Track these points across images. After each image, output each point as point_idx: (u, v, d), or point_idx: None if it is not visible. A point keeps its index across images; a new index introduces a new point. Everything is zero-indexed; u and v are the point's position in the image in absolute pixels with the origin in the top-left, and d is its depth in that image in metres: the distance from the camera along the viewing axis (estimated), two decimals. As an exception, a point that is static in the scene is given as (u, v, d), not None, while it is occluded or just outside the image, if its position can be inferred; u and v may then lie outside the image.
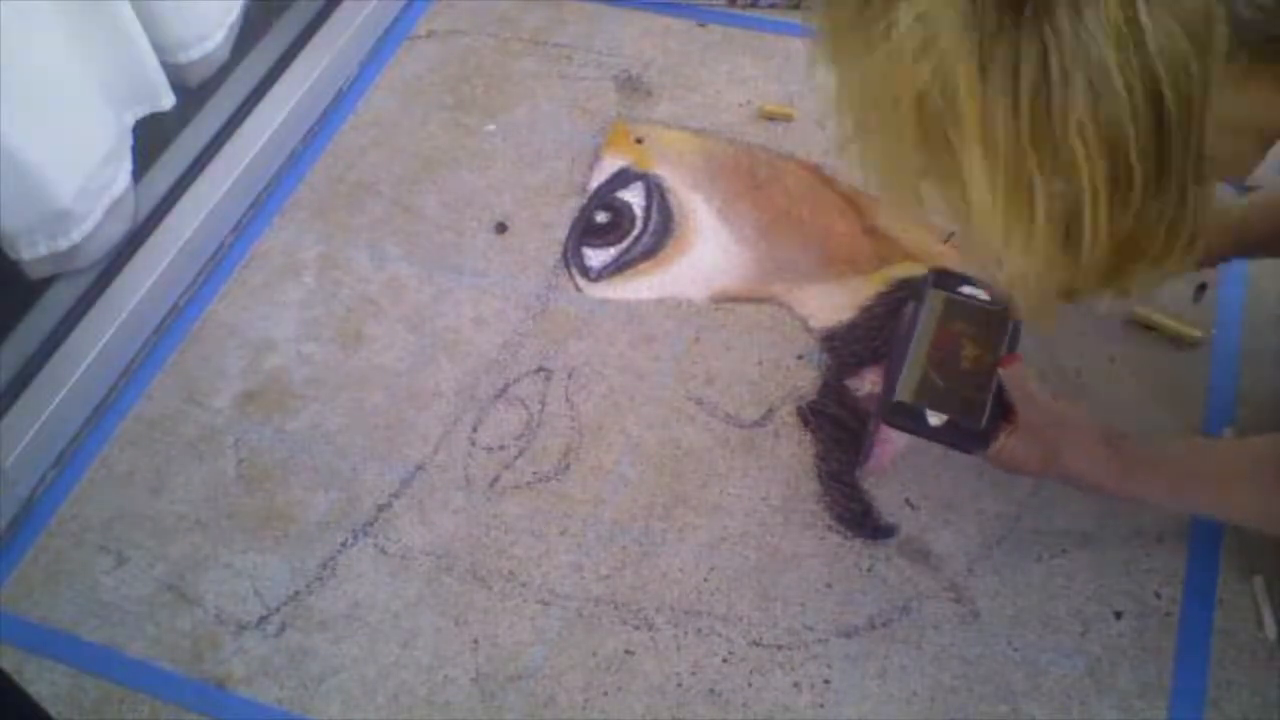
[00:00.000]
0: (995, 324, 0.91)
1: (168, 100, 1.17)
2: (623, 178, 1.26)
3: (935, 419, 0.87)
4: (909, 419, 0.88)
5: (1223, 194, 0.61)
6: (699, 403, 1.08)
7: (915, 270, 1.14)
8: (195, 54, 1.20)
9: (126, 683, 0.95)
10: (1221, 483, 0.81)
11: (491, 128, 1.34)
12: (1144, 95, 0.50)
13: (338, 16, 1.41)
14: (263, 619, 0.97)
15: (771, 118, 1.30)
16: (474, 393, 1.10)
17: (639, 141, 1.30)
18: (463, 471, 1.05)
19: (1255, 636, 0.90)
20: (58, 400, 1.07)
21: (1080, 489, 0.86)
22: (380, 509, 1.03)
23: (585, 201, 1.25)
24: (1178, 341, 1.06)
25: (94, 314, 1.14)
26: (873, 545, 0.97)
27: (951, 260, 1.14)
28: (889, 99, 0.54)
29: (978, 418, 0.87)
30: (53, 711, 0.82)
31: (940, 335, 0.92)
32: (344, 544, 1.01)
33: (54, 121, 1.03)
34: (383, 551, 1.00)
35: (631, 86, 1.36)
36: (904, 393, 0.89)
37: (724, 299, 1.15)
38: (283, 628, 0.97)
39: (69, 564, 1.02)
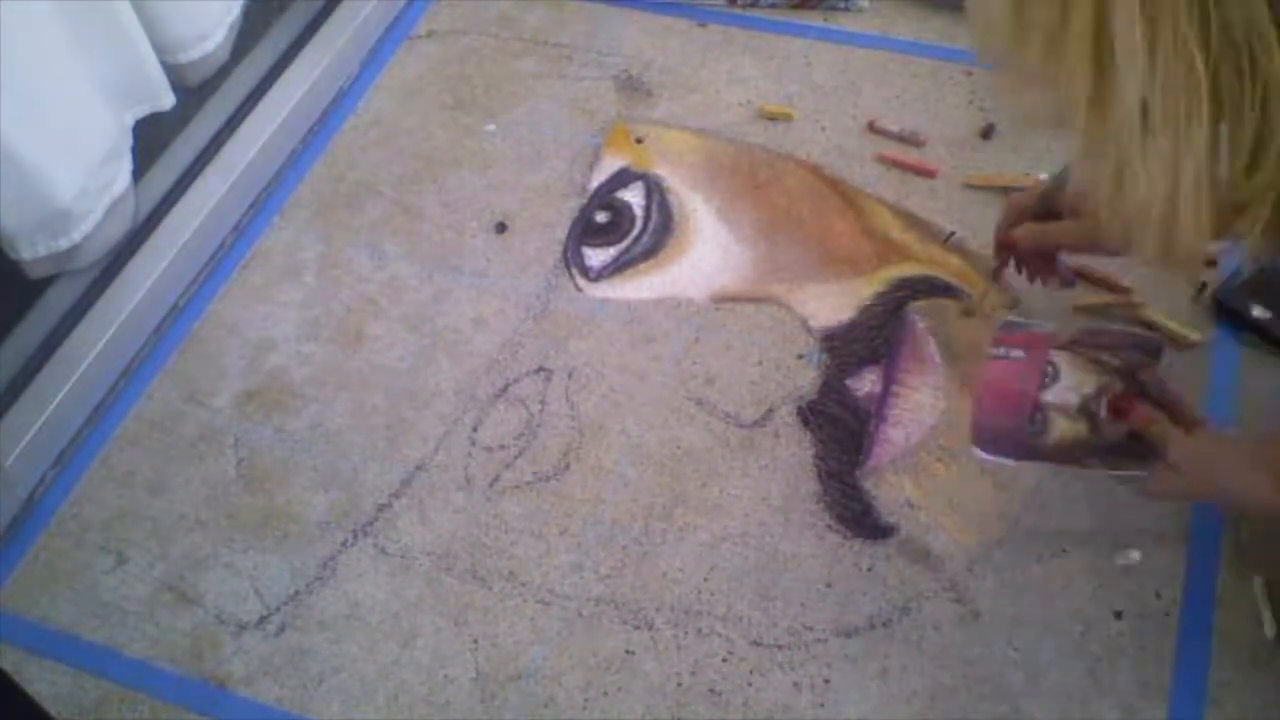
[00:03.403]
0: None
1: (168, 100, 1.17)
2: (623, 177, 1.26)
3: (1260, 312, 1.05)
4: (1235, 308, 1.06)
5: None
6: (699, 403, 1.08)
7: (915, 270, 1.14)
8: (195, 54, 1.20)
9: (126, 683, 0.95)
10: None
11: (491, 128, 1.34)
12: None
13: (338, 16, 1.41)
14: (263, 619, 0.97)
15: (772, 118, 1.30)
16: (474, 393, 1.10)
17: (639, 141, 1.30)
18: (463, 471, 1.05)
19: (1255, 636, 0.90)
20: (58, 400, 1.07)
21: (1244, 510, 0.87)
22: (380, 509, 1.03)
23: (585, 201, 1.25)
24: (1178, 341, 1.06)
25: (94, 314, 1.14)
26: (873, 545, 0.97)
27: (952, 263, 1.14)
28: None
29: None
30: (53, 711, 0.82)
31: None
32: (344, 544, 1.01)
33: (54, 121, 1.03)
34: (383, 551, 1.00)
35: (631, 86, 1.36)
36: (1240, 289, 1.07)
37: (724, 299, 1.15)
38: (283, 628, 0.97)
39: (69, 564, 1.02)
